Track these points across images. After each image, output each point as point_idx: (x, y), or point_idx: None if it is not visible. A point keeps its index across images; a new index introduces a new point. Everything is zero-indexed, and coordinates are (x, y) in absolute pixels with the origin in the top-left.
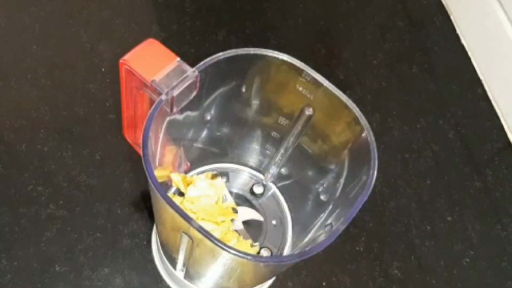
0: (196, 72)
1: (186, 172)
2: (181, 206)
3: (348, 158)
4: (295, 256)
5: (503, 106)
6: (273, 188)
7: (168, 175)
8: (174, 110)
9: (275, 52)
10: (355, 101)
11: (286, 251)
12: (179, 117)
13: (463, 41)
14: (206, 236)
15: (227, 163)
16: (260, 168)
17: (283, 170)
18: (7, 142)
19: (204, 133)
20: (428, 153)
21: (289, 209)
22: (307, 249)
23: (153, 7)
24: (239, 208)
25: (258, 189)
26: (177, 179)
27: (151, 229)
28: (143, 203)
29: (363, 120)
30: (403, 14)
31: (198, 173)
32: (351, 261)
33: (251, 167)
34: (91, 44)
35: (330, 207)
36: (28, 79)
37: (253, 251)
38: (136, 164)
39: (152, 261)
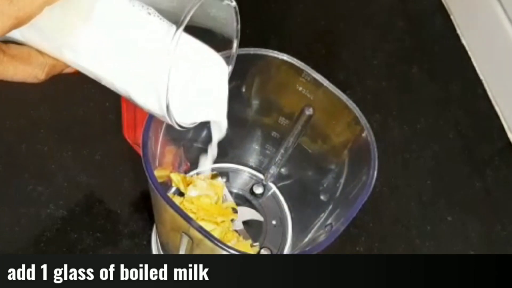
0: None
1: (186, 172)
2: (181, 206)
3: (348, 158)
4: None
5: (503, 106)
6: (273, 188)
7: (168, 175)
8: None
9: (275, 52)
10: (355, 101)
11: (286, 251)
12: None
13: (463, 41)
14: (206, 236)
15: (227, 163)
16: (260, 168)
17: (283, 170)
18: (7, 142)
19: (204, 133)
20: (428, 153)
21: (289, 209)
22: (307, 249)
23: None
24: (239, 208)
25: (258, 189)
26: (177, 179)
27: (151, 229)
28: (143, 203)
29: (363, 120)
30: (403, 14)
31: (198, 173)
32: None
33: (251, 167)
34: None
35: (330, 207)
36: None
37: (253, 251)
38: (136, 164)
39: None
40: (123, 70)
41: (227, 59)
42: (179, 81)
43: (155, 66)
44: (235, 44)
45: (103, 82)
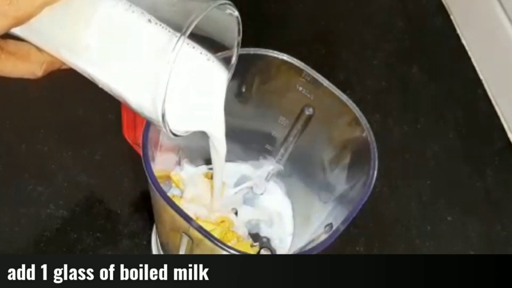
0: None
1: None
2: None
3: (348, 158)
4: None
5: (503, 106)
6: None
7: (168, 175)
8: None
9: (275, 52)
10: (355, 101)
11: (286, 251)
12: None
13: (463, 41)
14: (206, 236)
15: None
16: (260, 168)
17: (283, 170)
18: (7, 142)
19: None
20: (428, 153)
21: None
22: (307, 249)
23: None
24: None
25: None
26: (177, 179)
27: (151, 229)
28: (143, 203)
29: (363, 120)
30: (403, 14)
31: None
32: None
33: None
34: None
35: (330, 207)
36: (27, 79)
37: (253, 251)
38: (136, 164)
39: None
40: (119, 75)
41: (226, 64)
42: (176, 88)
43: (153, 74)
44: (234, 56)
45: (100, 84)
